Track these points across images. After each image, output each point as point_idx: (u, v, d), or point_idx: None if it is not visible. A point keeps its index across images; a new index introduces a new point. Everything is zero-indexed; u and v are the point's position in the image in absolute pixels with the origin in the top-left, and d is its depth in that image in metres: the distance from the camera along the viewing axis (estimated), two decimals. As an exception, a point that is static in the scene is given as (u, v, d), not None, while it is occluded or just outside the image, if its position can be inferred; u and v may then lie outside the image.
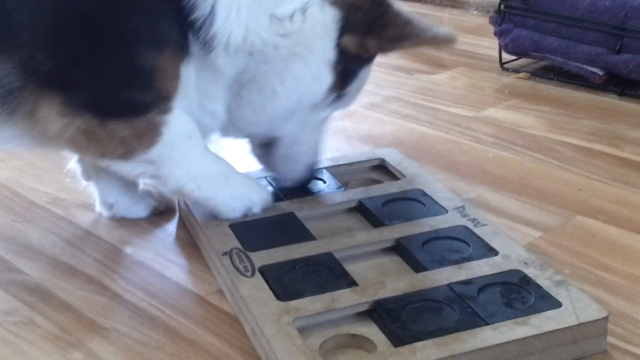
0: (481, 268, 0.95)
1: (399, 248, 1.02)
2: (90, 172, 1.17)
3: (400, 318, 0.87)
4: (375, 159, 1.26)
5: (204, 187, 1.04)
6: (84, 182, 1.18)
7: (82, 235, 1.14)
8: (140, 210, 1.18)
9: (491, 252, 0.99)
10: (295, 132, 1.09)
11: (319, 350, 0.85)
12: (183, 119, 1.01)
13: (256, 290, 0.93)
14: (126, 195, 1.17)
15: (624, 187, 1.25)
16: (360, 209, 1.13)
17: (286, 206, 1.12)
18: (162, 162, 1.01)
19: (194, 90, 1.02)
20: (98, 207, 1.19)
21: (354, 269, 0.98)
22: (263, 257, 0.99)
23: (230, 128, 1.09)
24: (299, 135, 1.09)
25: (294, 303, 0.90)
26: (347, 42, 1.02)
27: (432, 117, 1.55)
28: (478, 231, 1.03)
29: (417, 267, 0.98)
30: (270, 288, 0.93)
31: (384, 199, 1.13)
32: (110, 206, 1.17)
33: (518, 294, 0.91)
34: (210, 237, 1.04)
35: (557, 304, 0.88)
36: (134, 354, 0.89)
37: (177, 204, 1.19)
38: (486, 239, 1.01)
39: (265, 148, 1.12)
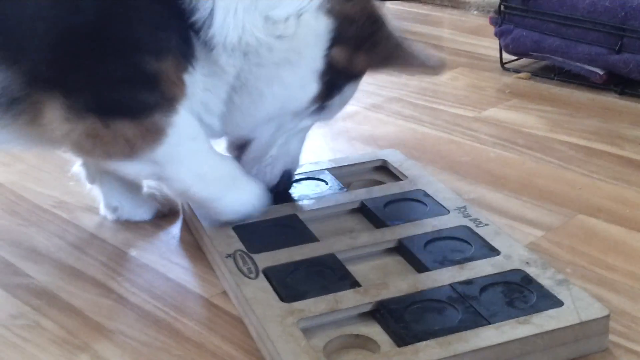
0: (483, 268, 0.96)
1: (401, 249, 1.03)
2: (95, 175, 1.17)
3: (403, 318, 0.88)
4: (377, 160, 1.27)
5: (210, 187, 1.05)
6: (88, 186, 1.19)
7: (86, 238, 1.15)
8: (144, 213, 1.18)
9: (493, 252, 0.99)
10: (270, 137, 1.08)
11: (323, 351, 0.85)
12: (189, 121, 1.01)
13: (260, 291, 0.93)
14: (130, 198, 1.18)
15: (624, 186, 1.25)
16: (363, 210, 1.13)
17: (288, 208, 1.12)
18: (167, 163, 1.01)
19: (198, 103, 1.02)
20: (102, 210, 1.19)
21: (356, 269, 0.99)
22: (266, 259, 1.00)
23: (219, 133, 1.09)
24: (273, 140, 1.09)
25: (297, 304, 0.90)
26: (336, 54, 1.02)
27: (434, 118, 1.55)
28: (480, 231, 1.04)
29: (420, 267, 0.99)
30: (274, 289, 0.94)
31: (386, 199, 1.14)
32: (114, 209, 1.18)
33: (520, 293, 0.91)
34: (214, 240, 1.05)
35: (558, 303, 0.88)
36: (139, 356, 0.90)
37: (180, 207, 1.20)
38: (488, 238, 1.02)
39: (240, 149, 1.12)
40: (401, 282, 0.94)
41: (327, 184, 1.20)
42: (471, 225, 1.05)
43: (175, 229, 1.17)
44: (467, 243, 1.02)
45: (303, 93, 1.04)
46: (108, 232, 1.16)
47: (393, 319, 0.88)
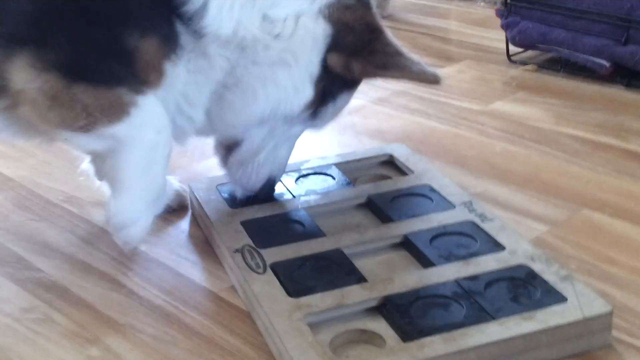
0: (488, 263, 0.97)
1: (407, 244, 1.04)
2: (103, 172, 1.18)
3: (408, 313, 0.89)
4: (384, 154, 1.28)
5: (136, 193, 1.01)
6: (97, 182, 1.20)
7: (97, 232, 1.16)
8: (153, 208, 1.19)
9: (498, 247, 1.00)
10: (261, 141, 1.08)
11: (329, 346, 0.87)
12: (157, 111, 0.99)
13: (268, 286, 0.95)
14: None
15: (630, 180, 1.26)
16: (369, 205, 1.14)
17: (296, 203, 1.14)
18: (123, 144, 0.97)
19: (178, 94, 1.01)
20: (112, 205, 1.20)
21: (363, 264, 1.00)
22: (274, 254, 1.01)
23: (206, 129, 1.08)
24: (262, 144, 1.09)
25: (304, 299, 0.92)
26: (332, 60, 1.02)
27: (440, 111, 1.56)
28: (485, 226, 1.05)
29: (425, 263, 1.00)
30: (282, 284, 0.95)
31: (393, 195, 1.15)
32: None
33: (524, 289, 0.92)
34: (222, 235, 1.06)
35: (562, 299, 0.89)
36: (149, 350, 0.91)
37: (189, 202, 1.21)
38: (493, 234, 1.03)
39: (228, 150, 1.11)
40: (407, 278, 0.95)
41: (334, 178, 1.21)
42: (477, 220, 1.06)
43: (184, 223, 1.18)
44: (473, 238, 1.03)
45: (297, 97, 1.03)
46: (118, 227, 1.17)
47: (399, 314, 0.89)
